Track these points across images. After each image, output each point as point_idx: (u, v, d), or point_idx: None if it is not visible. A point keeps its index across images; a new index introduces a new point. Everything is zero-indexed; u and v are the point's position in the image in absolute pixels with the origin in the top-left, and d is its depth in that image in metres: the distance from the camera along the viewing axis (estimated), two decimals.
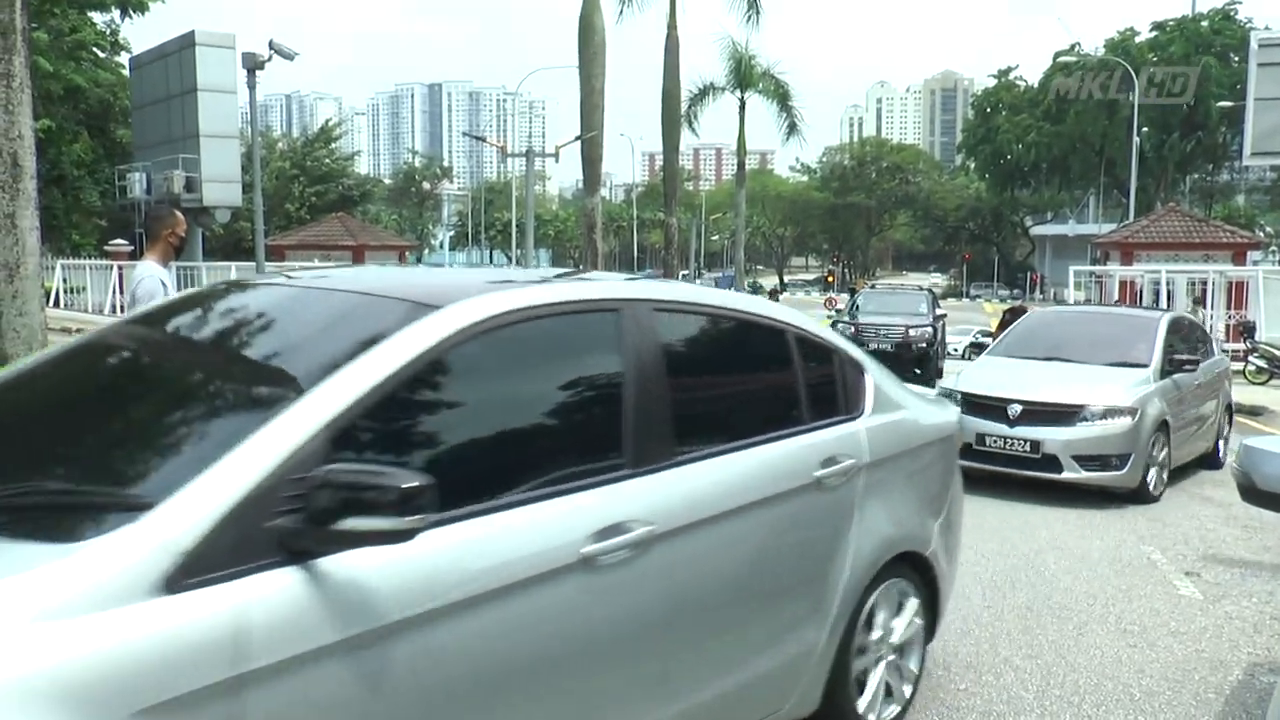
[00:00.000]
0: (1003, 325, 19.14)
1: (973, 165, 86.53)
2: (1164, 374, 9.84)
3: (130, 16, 29.70)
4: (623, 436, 3.19)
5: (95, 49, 33.86)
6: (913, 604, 4.35)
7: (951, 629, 5.67)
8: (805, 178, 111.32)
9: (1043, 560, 7.24)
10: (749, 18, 34.61)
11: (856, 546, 3.97)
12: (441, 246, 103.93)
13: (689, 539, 3.26)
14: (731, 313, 3.96)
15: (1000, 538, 7.84)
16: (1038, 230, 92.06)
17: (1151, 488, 9.33)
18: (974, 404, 9.62)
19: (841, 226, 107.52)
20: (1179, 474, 10.13)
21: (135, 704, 2.06)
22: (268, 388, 2.84)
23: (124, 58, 34.75)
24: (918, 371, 20.37)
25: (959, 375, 10.76)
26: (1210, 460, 10.99)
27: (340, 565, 2.41)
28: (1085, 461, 9.12)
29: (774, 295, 36.11)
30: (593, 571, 2.93)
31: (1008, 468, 9.45)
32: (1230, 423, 11.84)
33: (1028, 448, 9.30)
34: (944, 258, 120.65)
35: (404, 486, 2.31)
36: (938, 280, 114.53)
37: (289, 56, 21.80)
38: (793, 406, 3.99)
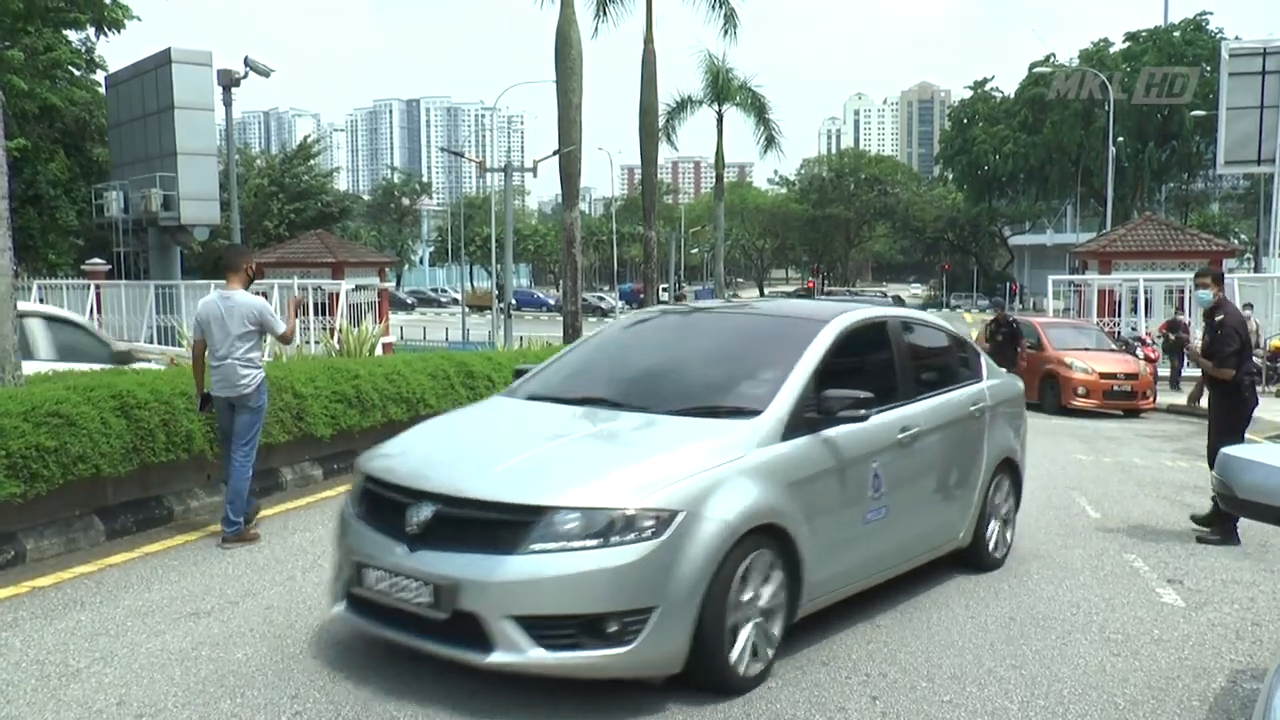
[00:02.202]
0: (990, 338, 18.32)
1: (950, 176, 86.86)
2: (797, 429, 5.31)
3: (106, 35, 29.57)
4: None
5: (71, 67, 33.65)
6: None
7: (935, 640, 5.66)
8: (784, 190, 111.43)
9: (1025, 570, 7.25)
10: (725, 31, 34.67)
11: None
12: (421, 262, 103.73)
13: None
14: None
15: None
16: (1016, 240, 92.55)
17: (741, 670, 4.81)
18: (372, 500, 5.11)
19: (821, 238, 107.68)
20: (1159, 482, 10.08)
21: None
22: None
23: (100, 76, 34.58)
24: None
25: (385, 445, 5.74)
26: (972, 557, 7.03)
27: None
28: (543, 630, 4.43)
29: None
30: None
31: (397, 634, 4.77)
32: (1017, 493, 7.75)
33: (427, 598, 4.55)
34: (924, 268, 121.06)
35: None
36: (917, 291, 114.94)
37: (265, 73, 21.75)
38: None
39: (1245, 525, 7.95)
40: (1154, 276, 27.92)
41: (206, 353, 7.49)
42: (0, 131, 7.98)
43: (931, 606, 6.31)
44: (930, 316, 7.72)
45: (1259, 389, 20.71)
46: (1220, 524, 8.36)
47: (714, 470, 4.77)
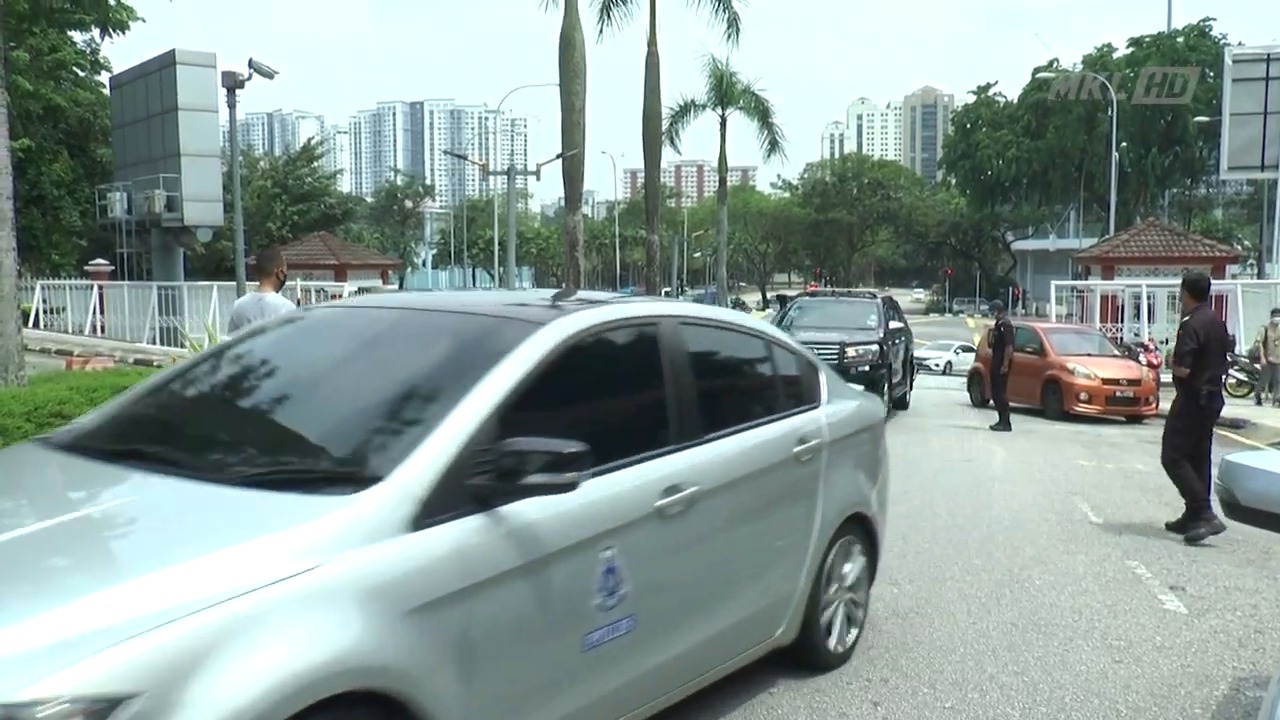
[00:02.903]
0: (993, 343, 18.14)
1: (953, 181, 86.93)
2: (448, 506, 3.20)
3: (110, 36, 29.50)
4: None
5: (75, 68, 33.68)
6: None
7: (937, 645, 5.65)
8: (787, 194, 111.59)
9: (1028, 576, 7.23)
10: (729, 35, 34.71)
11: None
12: (424, 265, 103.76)
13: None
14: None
15: (985, 554, 7.83)
16: (1019, 245, 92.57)
17: None
18: None
19: (824, 242, 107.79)
20: (1161, 488, 10.07)
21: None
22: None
23: (104, 77, 34.60)
24: None
25: None
26: (799, 655, 5.14)
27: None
28: None
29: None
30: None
31: None
32: (873, 559, 5.67)
33: None
34: (926, 273, 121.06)
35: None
36: (920, 295, 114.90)
37: (269, 75, 21.74)
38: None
39: (1248, 532, 7.93)
40: (1157, 282, 27.93)
41: None
42: (5, 132, 8.00)
43: (933, 612, 6.30)
44: (740, 315, 5.52)
45: (1264, 396, 20.80)
46: (1194, 520, 8.51)
47: (245, 599, 2.61)
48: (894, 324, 18.25)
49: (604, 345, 4.10)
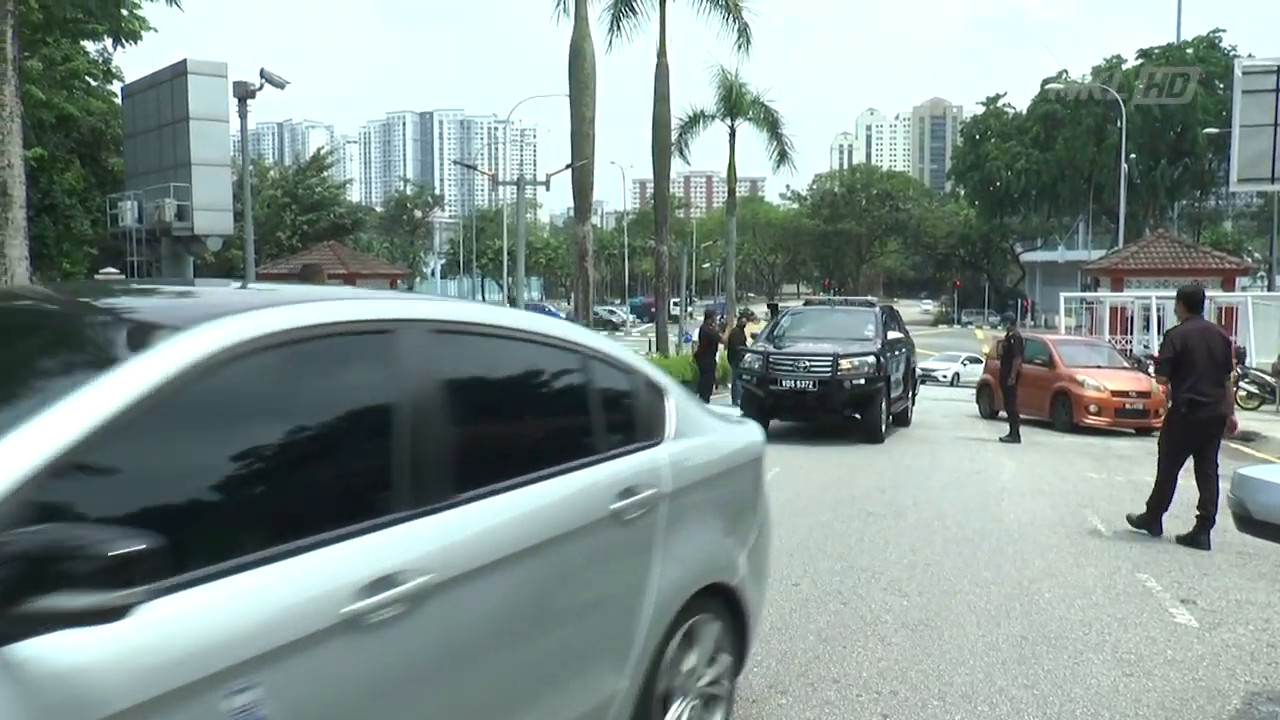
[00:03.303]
0: (1001, 355, 18.04)
1: (962, 192, 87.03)
2: None
3: (123, 45, 29.72)
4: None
5: (88, 78, 33.91)
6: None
7: (946, 658, 5.63)
8: (796, 205, 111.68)
9: (1037, 589, 7.21)
10: (739, 45, 34.73)
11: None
12: (433, 274, 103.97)
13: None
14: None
15: (994, 567, 7.81)
16: (1028, 257, 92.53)
17: None
18: None
19: (832, 253, 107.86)
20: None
21: None
22: None
23: (116, 86, 34.81)
24: (857, 416, 15.75)
25: None
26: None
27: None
28: None
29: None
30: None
31: None
32: (740, 648, 4.33)
33: None
34: (935, 285, 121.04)
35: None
36: (929, 307, 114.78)
37: (280, 85, 21.83)
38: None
39: (1260, 545, 7.90)
40: (1166, 294, 27.77)
41: None
42: (18, 141, 8.05)
43: (943, 625, 6.28)
44: (543, 321, 3.77)
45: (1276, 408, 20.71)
46: (1146, 515, 9.13)
47: None
48: (893, 334, 17.43)
49: (288, 365, 2.63)
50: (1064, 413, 18.97)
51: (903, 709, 4.92)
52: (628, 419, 3.85)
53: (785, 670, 5.36)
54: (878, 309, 18.01)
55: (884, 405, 15.89)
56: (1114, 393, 18.65)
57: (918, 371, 21.92)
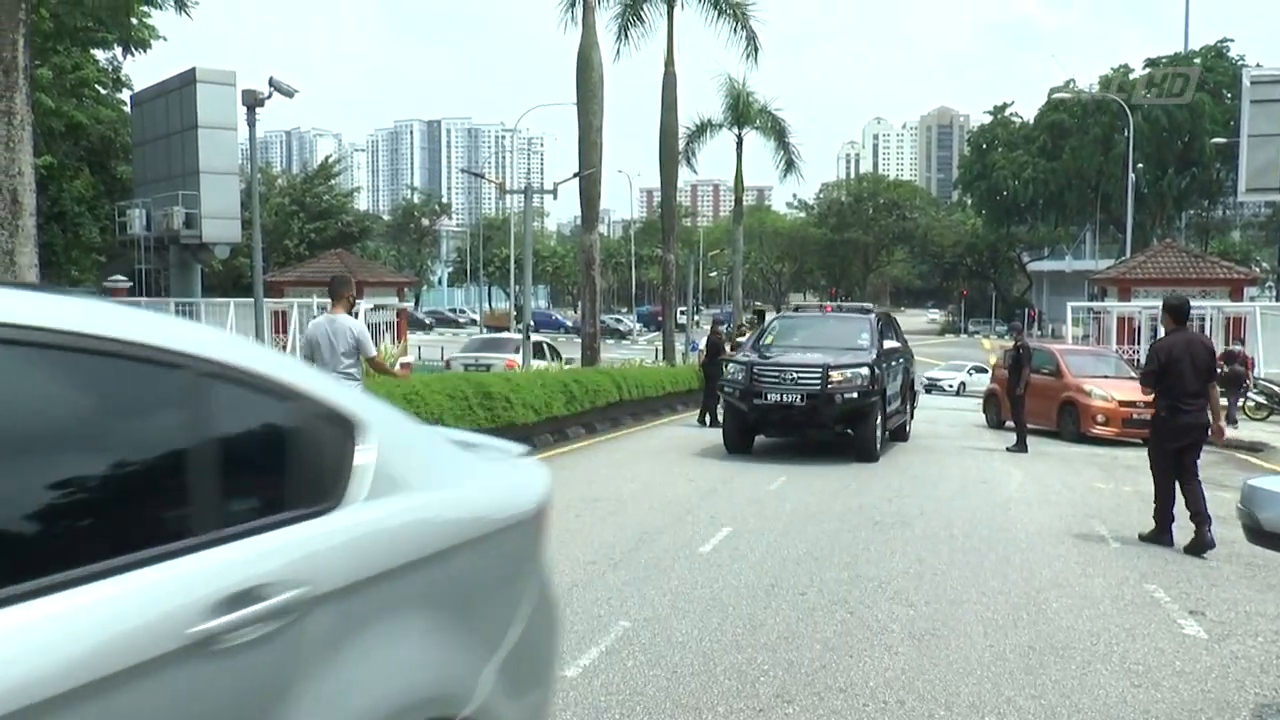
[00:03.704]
0: (1010, 365, 17.90)
1: (969, 201, 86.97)
2: None
3: (132, 54, 29.91)
4: None
5: (97, 86, 34.11)
6: None
7: (953, 668, 5.61)
8: (803, 214, 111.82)
9: (1045, 599, 7.19)
10: (747, 54, 34.80)
11: None
12: (440, 283, 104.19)
13: None
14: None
15: (1001, 576, 7.79)
16: (1035, 266, 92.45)
17: None
18: None
19: (839, 262, 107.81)
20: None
21: None
22: None
23: (125, 95, 34.99)
24: (849, 432, 14.68)
25: None
26: None
27: None
28: None
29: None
30: None
31: None
32: None
33: None
34: (942, 294, 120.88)
35: None
36: (935, 316, 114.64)
37: (289, 93, 21.88)
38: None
39: (1269, 557, 7.87)
40: None
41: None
42: (29, 149, 8.09)
43: (950, 634, 6.26)
44: (105, 314, 2.08)
45: None
46: (1156, 530, 9.26)
47: None
48: (890, 343, 16.30)
49: None
50: (1071, 422, 18.93)
51: (910, 719, 4.91)
52: (270, 476, 2.41)
53: (792, 679, 5.35)
54: (873, 316, 16.80)
55: (879, 421, 14.74)
56: (1121, 403, 18.60)
57: (918, 384, 21.27)
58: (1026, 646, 6.09)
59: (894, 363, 16.22)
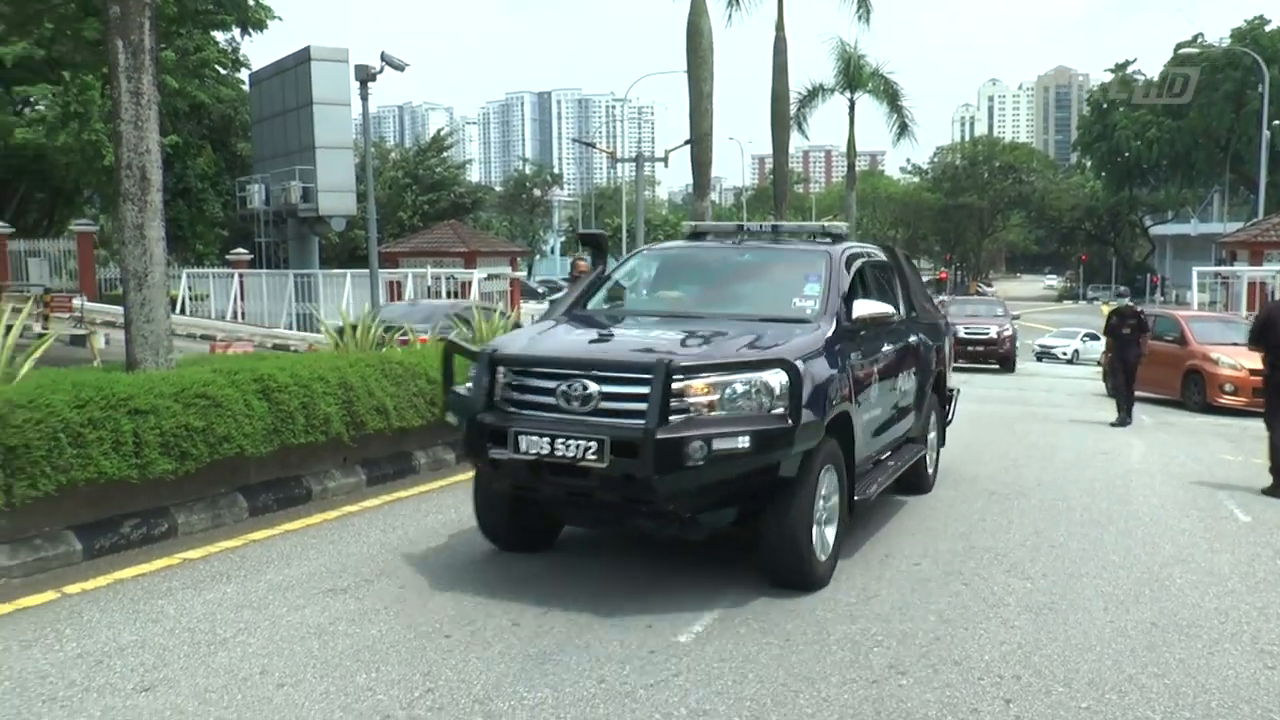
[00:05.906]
0: (1109, 329, 17.22)
1: (1089, 164, 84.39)
2: None
3: (250, 35, 30.66)
4: None
5: (217, 66, 35.11)
6: None
7: (1072, 643, 5.48)
8: (916, 179, 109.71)
9: (1168, 574, 6.96)
10: (859, 16, 34.24)
11: None
12: (552, 252, 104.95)
13: None
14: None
15: (1123, 550, 7.57)
16: (1157, 230, 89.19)
17: None
18: None
19: (953, 228, 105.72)
20: None
21: None
22: None
23: (244, 74, 35.96)
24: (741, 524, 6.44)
25: None
26: None
27: None
28: None
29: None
30: None
31: None
32: None
33: None
34: (1059, 259, 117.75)
35: None
36: (1052, 282, 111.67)
37: (400, 67, 22.22)
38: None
39: None
40: None
41: None
42: (156, 128, 8.37)
43: (1068, 609, 6.11)
44: None
45: None
46: (1277, 479, 9.87)
47: None
48: (873, 308, 7.38)
49: None
50: (1196, 392, 18.29)
51: (1026, 694, 4.81)
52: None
53: (906, 651, 5.28)
54: (839, 251, 7.73)
55: (818, 497, 6.27)
56: (1252, 371, 17.84)
57: (952, 391, 10.65)
58: (1149, 623, 5.91)
59: (884, 349, 7.82)
